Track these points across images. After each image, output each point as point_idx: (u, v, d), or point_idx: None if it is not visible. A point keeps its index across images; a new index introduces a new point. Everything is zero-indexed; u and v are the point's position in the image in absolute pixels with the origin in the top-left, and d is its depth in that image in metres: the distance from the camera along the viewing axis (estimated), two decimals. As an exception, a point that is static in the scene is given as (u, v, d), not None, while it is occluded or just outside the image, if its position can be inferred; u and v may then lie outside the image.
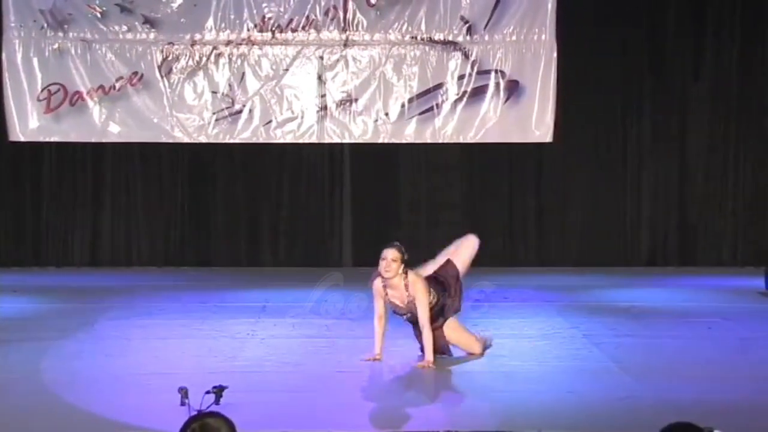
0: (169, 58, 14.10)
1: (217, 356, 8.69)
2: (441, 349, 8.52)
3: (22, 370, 8.24)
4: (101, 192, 14.50)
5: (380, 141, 14.27)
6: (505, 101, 14.16)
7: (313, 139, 14.25)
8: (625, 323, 10.25)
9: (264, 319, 10.50)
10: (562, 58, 14.05)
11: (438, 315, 8.49)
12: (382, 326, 8.49)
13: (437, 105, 14.17)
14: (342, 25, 14.10)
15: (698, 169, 14.64)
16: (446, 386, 7.93)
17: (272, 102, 14.21)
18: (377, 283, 8.47)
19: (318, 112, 14.20)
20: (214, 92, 14.16)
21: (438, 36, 14.12)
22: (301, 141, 14.28)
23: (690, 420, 3.84)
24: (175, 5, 14.05)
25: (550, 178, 14.65)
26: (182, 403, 6.65)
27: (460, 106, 14.18)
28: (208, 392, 6.70)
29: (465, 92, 14.16)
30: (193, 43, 14.09)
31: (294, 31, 14.12)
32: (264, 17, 14.10)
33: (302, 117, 14.21)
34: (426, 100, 14.18)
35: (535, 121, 14.16)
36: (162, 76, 14.10)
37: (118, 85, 14.08)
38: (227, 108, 14.18)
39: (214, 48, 14.11)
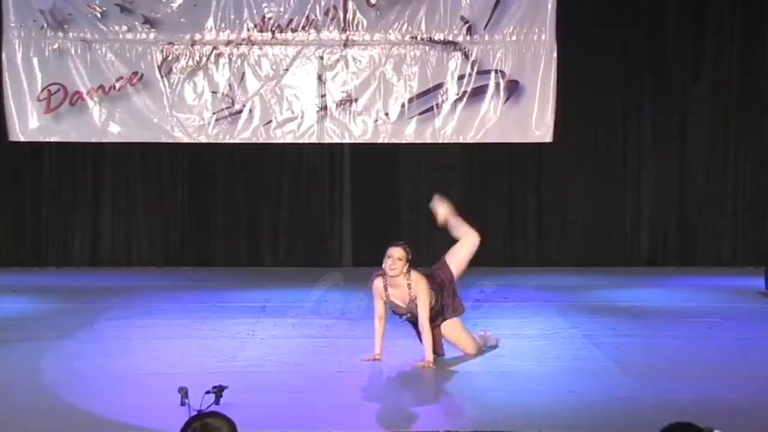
0: (169, 58, 14.10)
1: (217, 356, 8.69)
2: (435, 349, 8.51)
3: (22, 370, 8.23)
4: (101, 192, 14.50)
5: (380, 141, 14.27)
6: (505, 101, 14.16)
7: (313, 139, 14.26)
8: (625, 323, 10.25)
9: (264, 319, 10.50)
10: (562, 58, 14.05)
11: (437, 315, 8.49)
12: (382, 326, 8.50)
13: (437, 105, 14.17)
14: (342, 25, 14.10)
15: (698, 169, 14.64)
16: (446, 386, 7.93)
17: (272, 102, 14.21)
18: (377, 283, 8.47)
19: (318, 112, 14.20)
20: (214, 92, 14.17)
21: (438, 36, 14.13)
22: (301, 141, 14.28)
23: (690, 420, 3.84)
24: (175, 5, 14.05)
25: (550, 178, 14.65)
26: (182, 403, 6.65)
27: (460, 106, 14.18)
28: (208, 392, 6.70)
29: (465, 92, 14.16)
30: (193, 43, 14.10)
31: (294, 31, 14.12)
32: (264, 17, 14.10)
33: (302, 117, 14.21)
34: (426, 100, 14.19)
35: (535, 121, 14.16)
36: (162, 76, 14.10)
37: (118, 85, 14.08)
38: (227, 108, 14.19)
39: (214, 48, 14.11)
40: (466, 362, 8.51)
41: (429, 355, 8.34)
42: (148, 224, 14.53)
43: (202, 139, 14.23)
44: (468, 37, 14.11)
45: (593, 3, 14.38)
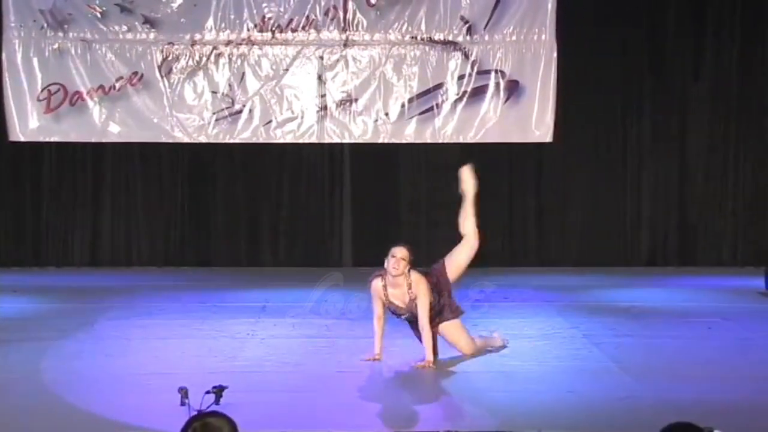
0: (169, 58, 14.10)
1: (217, 356, 8.69)
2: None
3: (22, 370, 8.23)
4: (101, 192, 14.50)
5: (380, 141, 14.27)
6: (505, 101, 14.16)
7: (313, 139, 14.26)
8: (625, 323, 10.25)
9: (264, 319, 10.50)
10: (562, 58, 14.05)
11: (435, 315, 8.49)
12: (381, 327, 8.50)
13: (437, 105, 14.18)
14: (342, 25, 14.10)
15: (698, 169, 14.64)
16: (446, 386, 7.92)
17: (272, 102, 14.21)
18: (376, 283, 8.47)
19: (318, 112, 14.20)
20: (214, 92, 14.17)
21: (438, 36, 14.13)
22: (301, 141, 14.28)
23: (690, 420, 3.84)
24: (175, 5, 14.06)
25: (550, 178, 14.65)
26: (182, 403, 6.65)
27: (460, 106, 14.18)
28: (208, 392, 6.70)
29: (465, 92, 14.17)
30: (193, 43, 14.10)
31: (294, 31, 14.12)
32: (264, 17, 14.10)
33: (302, 117, 14.22)
34: (426, 100, 14.19)
35: (535, 121, 14.16)
36: (162, 76, 14.10)
37: (118, 85, 14.09)
38: (227, 108, 14.19)
39: (214, 48, 14.11)
40: (466, 362, 8.51)
41: (429, 355, 8.34)
42: (148, 224, 14.53)
43: (202, 139, 14.23)
44: (468, 37, 14.11)
45: (593, 3, 14.38)
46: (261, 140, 14.27)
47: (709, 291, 12.58)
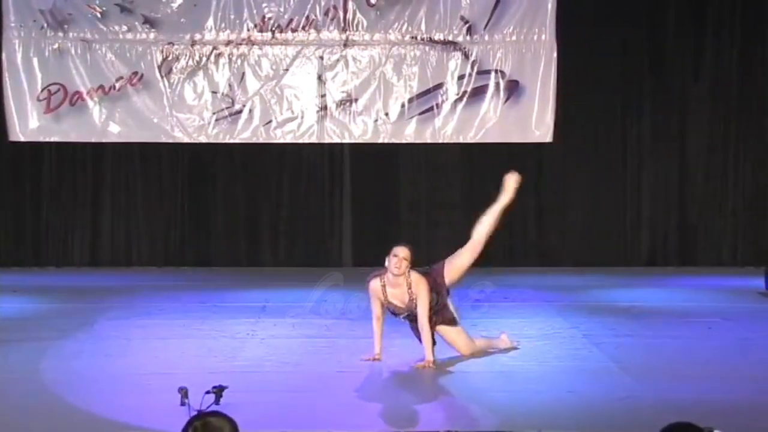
0: (169, 58, 14.10)
1: (217, 356, 8.69)
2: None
3: (22, 370, 8.23)
4: (101, 192, 14.51)
5: (380, 141, 14.27)
6: (505, 101, 14.17)
7: (313, 139, 14.26)
8: (625, 323, 10.25)
9: (264, 319, 10.50)
10: (562, 58, 14.05)
11: (434, 315, 8.49)
12: (380, 327, 8.50)
13: (437, 105, 14.18)
14: (342, 25, 14.10)
15: (698, 169, 14.64)
16: (446, 386, 7.92)
17: (272, 102, 14.21)
18: (375, 283, 8.46)
19: (318, 112, 14.20)
20: (214, 92, 14.17)
21: (438, 36, 14.13)
22: (301, 141, 14.28)
23: (690, 420, 3.84)
24: (175, 5, 14.06)
25: (550, 178, 14.65)
26: (182, 403, 6.65)
27: (460, 106, 14.18)
28: (208, 392, 6.70)
29: (465, 92, 14.17)
30: (193, 43, 14.10)
31: (294, 31, 14.12)
32: (264, 17, 14.10)
33: (302, 117, 14.22)
34: (426, 100, 14.19)
35: (535, 121, 14.16)
36: (162, 76, 14.10)
37: (118, 85, 14.09)
38: (227, 108, 14.19)
39: (214, 48, 14.11)
40: (466, 362, 8.51)
41: (429, 355, 8.34)
42: (148, 224, 14.53)
43: (202, 139, 14.23)
44: (468, 37, 14.11)
45: (593, 3, 14.38)
46: (261, 140, 14.27)
47: (709, 291, 12.58)
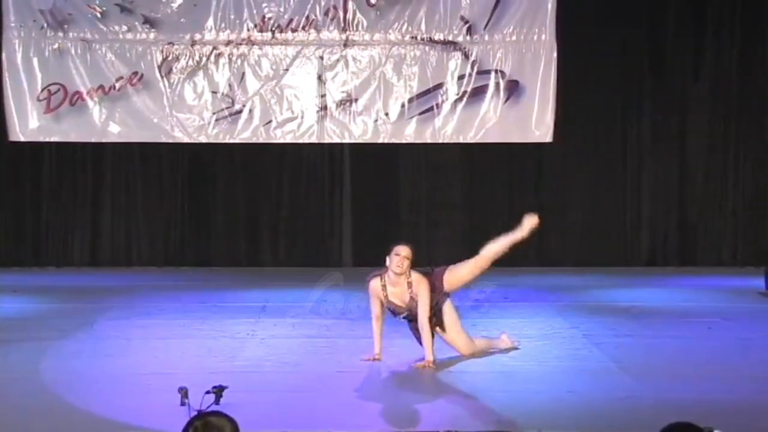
0: (169, 58, 14.10)
1: (217, 356, 8.69)
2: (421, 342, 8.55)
3: (22, 370, 8.23)
4: (101, 192, 14.50)
5: (380, 141, 14.27)
6: (505, 101, 14.16)
7: (313, 139, 14.25)
8: (625, 323, 10.25)
9: (264, 319, 10.50)
10: (562, 58, 14.05)
11: (432, 316, 8.50)
12: (380, 326, 8.51)
13: (437, 105, 14.17)
14: (342, 25, 14.10)
15: (698, 169, 14.64)
16: (446, 386, 7.92)
17: (272, 102, 14.21)
18: (375, 283, 8.47)
19: (318, 112, 14.20)
20: (214, 92, 14.17)
21: (438, 36, 14.12)
22: (301, 141, 14.28)
23: (690, 420, 3.84)
24: (175, 5, 14.05)
25: (550, 178, 14.65)
26: (182, 403, 6.65)
27: (460, 106, 14.18)
28: (208, 392, 6.70)
29: (465, 92, 14.16)
30: (193, 43, 14.10)
31: (294, 31, 14.12)
32: (264, 17, 14.10)
33: (302, 117, 14.21)
34: (426, 100, 14.18)
35: (535, 121, 14.16)
36: (162, 76, 14.10)
37: (118, 85, 14.08)
38: (227, 108, 14.18)
39: (214, 48, 14.11)
40: (466, 362, 8.51)
41: (429, 355, 8.35)
42: (148, 224, 14.53)
43: (202, 139, 14.23)
44: (468, 37, 14.10)
45: (593, 3, 14.38)
46: (261, 140, 14.27)
47: (709, 291, 12.58)
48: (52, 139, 14.22)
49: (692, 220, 14.63)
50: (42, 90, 14.04)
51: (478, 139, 14.25)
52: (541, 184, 14.66)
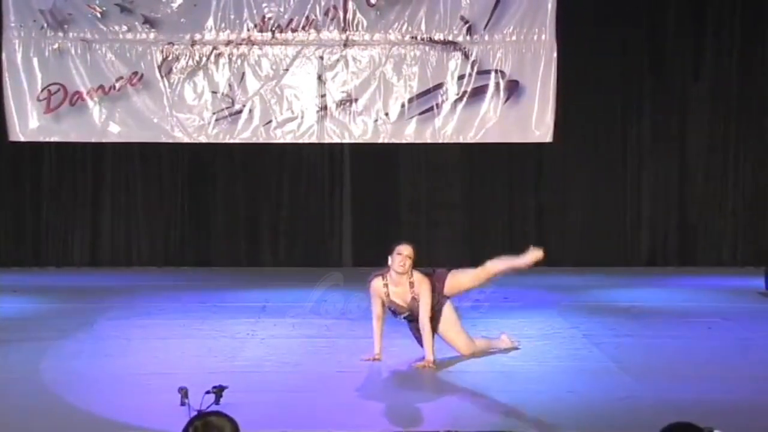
0: (169, 58, 14.10)
1: (217, 356, 8.69)
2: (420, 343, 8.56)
3: (22, 370, 8.23)
4: (101, 192, 14.50)
5: (380, 141, 14.27)
6: (505, 101, 14.16)
7: (313, 139, 14.25)
8: (625, 323, 10.25)
9: (264, 319, 10.50)
10: (562, 58, 14.05)
11: (433, 316, 8.51)
12: (381, 326, 8.51)
13: (437, 105, 14.17)
14: (342, 25, 14.09)
15: (698, 169, 14.64)
16: (446, 386, 7.93)
17: (272, 102, 14.21)
18: (377, 283, 8.47)
19: (318, 112, 14.20)
20: (214, 92, 14.17)
21: (438, 36, 14.12)
22: (301, 141, 14.28)
23: (690, 420, 3.84)
24: (175, 5, 14.05)
25: (550, 178, 14.65)
26: (182, 403, 6.65)
27: (460, 106, 14.18)
28: (208, 392, 6.69)
29: (465, 92, 14.16)
30: (193, 43, 14.09)
31: (294, 31, 14.12)
32: (264, 17, 14.10)
33: (302, 117, 14.21)
34: (426, 100, 14.18)
35: (535, 121, 14.16)
36: (162, 76, 14.10)
37: (118, 85, 14.08)
38: (227, 108, 14.18)
39: (214, 48, 14.11)
40: (466, 362, 8.51)
41: (429, 355, 8.35)
42: (148, 224, 14.53)
43: (202, 139, 14.22)
44: (468, 37, 14.10)
45: (593, 3, 14.38)
46: (261, 140, 14.27)
47: (709, 291, 12.58)
48: (52, 139, 14.22)
49: (692, 220, 14.63)
50: (42, 90, 14.04)
51: (478, 139, 14.25)
52: (541, 184, 14.67)
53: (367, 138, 14.24)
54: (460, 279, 8.65)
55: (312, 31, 14.11)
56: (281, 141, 14.29)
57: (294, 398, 7.38)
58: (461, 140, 14.26)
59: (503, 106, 14.17)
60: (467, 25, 14.08)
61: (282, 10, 14.09)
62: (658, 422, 3.90)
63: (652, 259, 14.60)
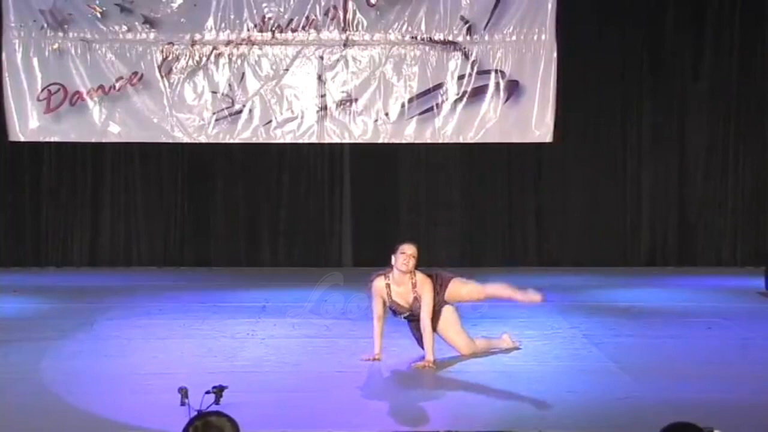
0: (169, 58, 14.10)
1: (217, 356, 8.69)
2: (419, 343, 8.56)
3: (22, 370, 8.23)
4: (101, 192, 14.50)
5: (380, 141, 14.27)
6: (505, 101, 14.16)
7: (313, 139, 14.26)
8: (625, 323, 10.25)
9: (264, 319, 10.50)
10: (562, 58, 14.05)
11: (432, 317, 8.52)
12: (381, 326, 8.51)
13: (437, 105, 14.17)
14: (342, 25, 14.10)
15: (698, 169, 14.64)
16: (446, 386, 7.92)
17: (272, 102, 14.21)
18: (379, 282, 8.47)
19: (318, 112, 14.20)
20: (214, 92, 14.17)
21: (438, 36, 14.13)
22: (301, 141, 14.28)
23: (690, 420, 3.84)
24: (175, 5, 14.05)
25: (550, 178, 14.65)
26: (182, 403, 6.64)
27: (460, 106, 14.18)
28: (208, 392, 6.69)
29: (465, 92, 14.16)
30: (193, 43, 14.10)
31: (294, 31, 14.12)
32: (264, 17, 14.10)
33: (302, 117, 14.21)
34: (426, 100, 14.19)
35: (535, 121, 14.16)
36: (162, 76, 14.10)
37: (118, 85, 14.08)
38: (227, 108, 14.19)
39: (214, 48, 14.11)
40: (466, 362, 8.51)
41: (429, 355, 8.35)
42: (148, 224, 14.53)
43: (202, 139, 14.23)
44: (468, 37, 14.11)
45: (593, 3, 14.38)
46: (261, 140, 14.27)
47: (709, 291, 12.57)
48: (52, 139, 14.22)
49: (692, 220, 14.63)
50: (42, 90, 14.05)
51: (478, 139, 14.25)
52: (541, 184, 14.67)
53: (367, 138, 14.24)
54: (461, 289, 8.66)
55: (312, 31, 14.11)
56: (281, 141, 14.29)
57: (294, 398, 7.38)
58: (461, 140, 14.26)
59: (503, 106, 14.17)
60: (467, 25, 14.08)
61: (282, 10, 14.09)
62: (658, 422, 3.90)
63: (652, 259, 14.60)
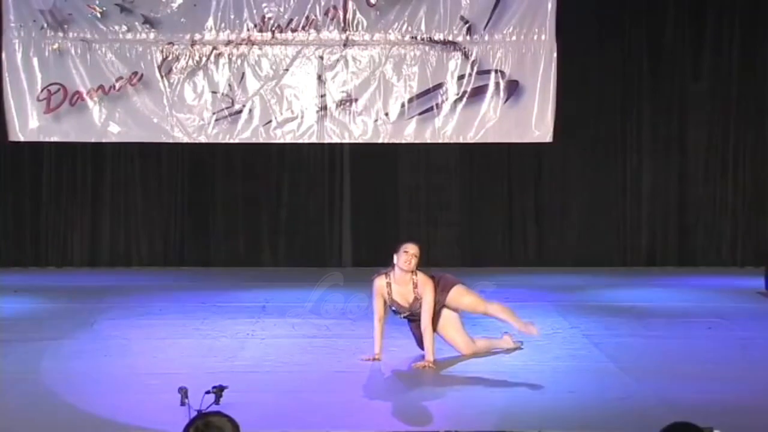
0: (169, 58, 14.10)
1: (217, 356, 8.69)
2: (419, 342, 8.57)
3: (22, 370, 8.23)
4: (101, 192, 14.50)
5: (380, 141, 14.27)
6: (505, 101, 14.16)
7: (313, 139, 14.26)
8: (625, 323, 10.25)
9: (264, 319, 10.50)
10: (562, 58, 14.05)
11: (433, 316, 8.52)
12: (382, 326, 8.51)
13: (437, 105, 14.18)
14: (342, 25, 14.10)
15: (698, 169, 14.64)
16: (446, 386, 7.92)
17: (272, 102, 14.21)
18: (380, 281, 8.47)
19: (318, 112, 14.20)
20: (214, 92, 14.17)
21: (438, 36, 14.13)
22: (301, 141, 14.28)
23: (690, 420, 3.84)
24: (175, 5, 14.05)
25: (550, 178, 14.65)
26: (182, 403, 6.64)
27: (460, 106, 14.18)
28: (208, 392, 6.68)
29: (465, 92, 14.17)
30: (193, 43, 14.10)
31: (294, 31, 14.12)
32: (264, 17, 14.10)
33: (302, 117, 14.22)
34: (426, 100, 14.19)
35: (535, 121, 14.16)
36: (162, 76, 14.11)
37: (118, 85, 14.09)
38: (227, 108, 14.19)
39: (214, 48, 14.11)
40: (466, 362, 8.51)
41: (429, 355, 8.35)
42: (148, 224, 14.53)
43: (202, 139, 14.23)
44: (468, 37, 14.11)
45: (593, 3, 14.38)
46: (261, 140, 14.27)
47: (709, 291, 12.57)
48: (52, 139, 14.22)
49: (692, 220, 14.62)
50: (42, 90, 14.05)
51: (478, 139, 14.25)
52: (540, 184, 14.67)
53: (367, 138, 14.24)
54: (463, 297, 8.66)
55: (312, 31, 14.12)
56: (281, 141, 14.29)
57: (294, 398, 7.38)
58: (461, 140, 14.27)
59: (503, 106, 14.17)
60: (467, 25, 14.08)
61: (282, 10, 14.09)
62: (658, 422, 3.91)
63: (652, 259, 14.60)
